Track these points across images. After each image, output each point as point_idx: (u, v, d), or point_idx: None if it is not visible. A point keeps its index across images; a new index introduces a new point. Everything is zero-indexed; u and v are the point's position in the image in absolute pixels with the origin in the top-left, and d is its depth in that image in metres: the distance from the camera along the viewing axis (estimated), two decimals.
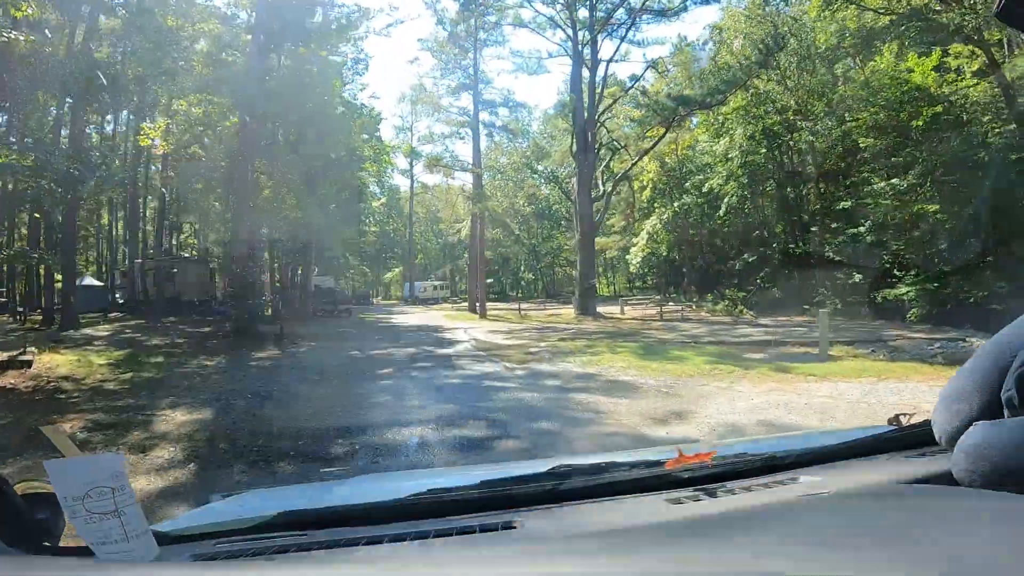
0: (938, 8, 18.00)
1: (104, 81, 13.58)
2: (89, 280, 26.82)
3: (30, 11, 8.71)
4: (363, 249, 50.19)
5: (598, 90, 26.10)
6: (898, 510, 0.77)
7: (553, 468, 1.12)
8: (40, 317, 18.15)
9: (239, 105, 16.74)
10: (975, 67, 18.53)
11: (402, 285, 53.98)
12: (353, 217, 28.79)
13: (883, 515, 0.74)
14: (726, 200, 27.09)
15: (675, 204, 31.44)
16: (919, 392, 6.85)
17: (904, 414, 1.34)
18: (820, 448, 1.21)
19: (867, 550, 0.60)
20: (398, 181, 52.61)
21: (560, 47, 27.88)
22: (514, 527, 0.87)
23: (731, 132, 25.83)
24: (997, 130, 17.76)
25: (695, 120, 29.22)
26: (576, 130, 25.45)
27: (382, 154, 34.11)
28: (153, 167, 25.53)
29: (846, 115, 21.75)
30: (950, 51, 18.65)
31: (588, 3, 25.39)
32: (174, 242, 30.66)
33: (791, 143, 24.59)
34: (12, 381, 8.27)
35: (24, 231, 23.98)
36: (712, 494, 0.97)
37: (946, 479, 0.81)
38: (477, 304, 28.09)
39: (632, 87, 28.53)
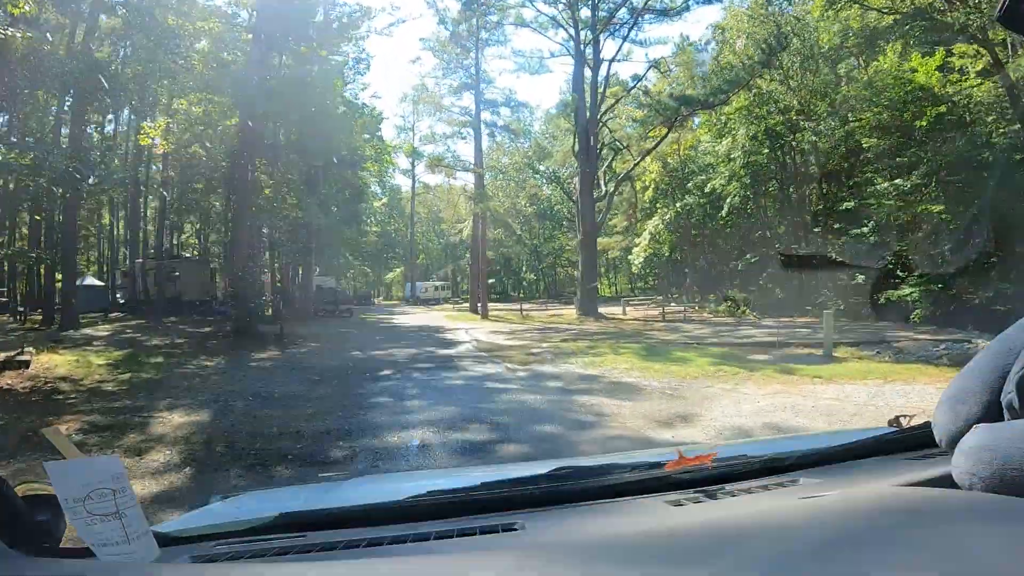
0: (942, 7, 17.89)
1: (104, 81, 13.53)
2: (90, 280, 26.86)
3: (27, 8, 8.65)
4: (364, 249, 50.17)
5: (600, 90, 26.03)
6: (898, 513, 0.76)
7: (553, 470, 1.12)
8: (40, 317, 18.11)
9: (240, 104, 16.67)
10: (979, 67, 18.41)
11: (403, 285, 53.96)
12: (354, 217, 28.73)
13: (883, 518, 0.73)
14: (728, 200, 27.03)
15: (677, 204, 31.38)
16: (926, 394, 6.76)
17: (905, 415, 1.34)
18: (821, 450, 1.20)
19: (867, 553, 0.60)
20: (400, 181, 52.68)
21: (562, 46, 27.83)
22: (514, 529, 0.87)
23: (734, 132, 25.75)
24: (1001, 130, 17.67)
25: (697, 120, 29.12)
26: (578, 130, 25.38)
27: (383, 154, 34.04)
28: (154, 167, 25.46)
29: (849, 115, 21.66)
30: (954, 51, 18.54)
31: (590, 2, 25.36)
32: (175, 242, 30.62)
33: (794, 143, 24.49)
34: (9, 382, 8.20)
35: (25, 231, 23.96)
36: (712, 496, 0.97)
37: (946, 482, 0.80)
38: (479, 304, 28.02)
39: (634, 87, 28.48)
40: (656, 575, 0.62)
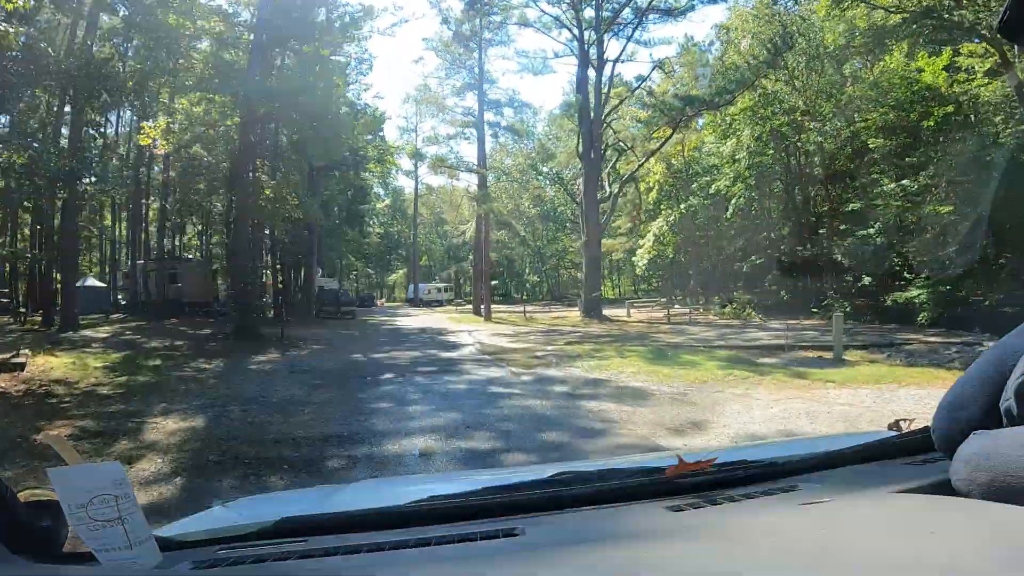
0: (951, 5, 17.65)
1: (104, 80, 13.41)
2: (92, 281, 26.78)
3: (21, 2, 8.50)
4: (367, 250, 50.11)
5: (604, 90, 25.83)
6: (896, 518, 0.77)
7: (555, 474, 1.14)
8: (41, 318, 18.00)
9: (240, 104, 16.56)
10: (987, 66, 18.19)
11: (406, 287, 53.80)
12: (357, 218, 28.63)
13: (881, 523, 0.75)
14: (733, 202, 26.86)
15: (681, 206, 31.21)
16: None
17: (905, 419, 1.34)
18: (820, 454, 1.21)
19: (865, 558, 0.60)
20: (402, 182, 52.54)
21: (566, 47, 27.72)
22: (516, 534, 0.86)
23: (738, 133, 25.60)
24: (1009, 130, 17.45)
25: (702, 121, 28.92)
26: (582, 131, 25.20)
27: (386, 155, 33.95)
28: (156, 167, 25.39)
29: (855, 116, 21.51)
30: (962, 50, 18.35)
31: (594, 3, 25.16)
32: (177, 243, 30.54)
33: (799, 144, 24.33)
34: (2, 385, 8.04)
35: (27, 231, 23.88)
36: (713, 501, 0.97)
37: (945, 488, 0.80)
38: (482, 306, 27.87)
39: (639, 87, 28.27)
40: None
